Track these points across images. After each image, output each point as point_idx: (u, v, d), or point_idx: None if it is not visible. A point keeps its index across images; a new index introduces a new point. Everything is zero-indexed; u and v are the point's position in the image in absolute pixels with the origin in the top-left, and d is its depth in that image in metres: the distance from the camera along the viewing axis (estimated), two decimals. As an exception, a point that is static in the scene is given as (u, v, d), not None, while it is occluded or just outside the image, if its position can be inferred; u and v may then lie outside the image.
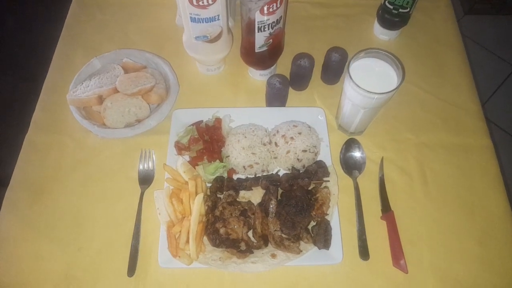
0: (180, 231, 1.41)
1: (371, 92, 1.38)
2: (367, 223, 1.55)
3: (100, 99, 1.87)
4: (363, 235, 1.54)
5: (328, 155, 1.68)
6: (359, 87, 1.39)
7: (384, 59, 1.51)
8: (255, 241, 1.47)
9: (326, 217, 1.51)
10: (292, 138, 1.63)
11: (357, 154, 1.74)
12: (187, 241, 1.38)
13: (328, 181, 1.58)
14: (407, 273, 1.47)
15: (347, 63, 1.53)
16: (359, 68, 1.62)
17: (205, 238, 1.46)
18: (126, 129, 1.69)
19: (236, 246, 1.42)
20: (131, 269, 1.48)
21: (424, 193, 1.68)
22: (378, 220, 1.59)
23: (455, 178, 1.70)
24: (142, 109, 1.75)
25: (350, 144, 1.78)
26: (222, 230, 1.42)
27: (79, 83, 1.92)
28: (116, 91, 1.86)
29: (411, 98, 2.04)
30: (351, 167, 1.72)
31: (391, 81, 1.61)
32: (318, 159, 1.67)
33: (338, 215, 1.54)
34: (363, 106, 1.51)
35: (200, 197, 1.41)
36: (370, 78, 1.45)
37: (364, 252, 1.52)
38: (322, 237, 1.46)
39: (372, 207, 1.61)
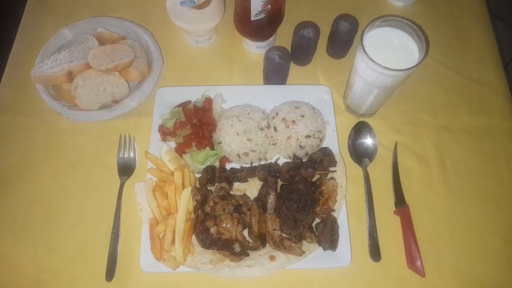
0: (165, 230, 1.31)
1: (388, 69, 1.23)
2: (378, 219, 1.45)
3: (70, 76, 1.66)
4: (374, 233, 1.43)
5: (335, 141, 1.57)
6: (374, 62, 1.24)
7: (403, 29, 1.35)
8: (251, 241, 1.38)
9: (332, 213, 1.41)
10: (293, 121, 1.51)
11: (368, 139, 1.60)
12: (173, 242, 1.29)
13: (335, 171, 1.47)
14: (424, 276, 1.37)
15: (359, 33, 1.36)
16: (374, 40, 1.40)
17: (193, 238, 1.37)
18: (101, 111, 1.56)
19: (229, 248, 1.31)
20: (110, 273, 1.37)
21: (443, 184, 1.55)
22: (391, 215, 1.48)
23: (479, 166, 1.58)
24: (120, 87, 1.61)
25: (360, 128, 1.68)
26: (213, 229, 1.31)
27: (46, 57, 1.71)
28: (88, 66, 1.66)
29: (428, 74, 1.85)
30: (361, 154, 1.59)
31: (411, 55, 1.39)
32: (323, 145, 1.55)
33: (346, 211, 1.45)
34: (377, 85, 1.38)
35: (187, 190, 1.31)
36: (387, 52, 1.31)
37: (375, 253, 1.41)
38: (328, 237, 1.35)
39: (385, 201, 1.50)
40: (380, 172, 1.57)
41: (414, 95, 1.74)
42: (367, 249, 1.43)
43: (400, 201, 1.50)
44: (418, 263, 1.38)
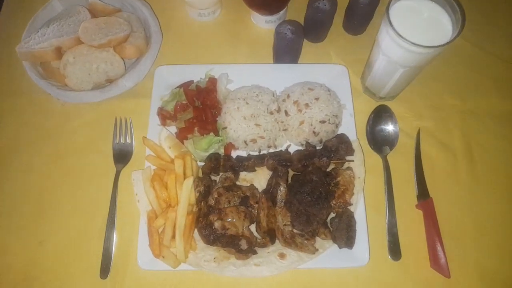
0: (164, 224, 1.26)
1: (417, 45, 1.13)
2: (399, 213, 1.38)
3: (59, 52, 1.54)
4: (393, 229, 1.36)
5: (353, 127, 1.51)
6: (402, 37, 1.14)
7: (435, 0, 1.24)
8: (259, 237, 1.32)
9: (349, 207, 1.35)
10: (307, 105, 1.43)
11: (388, 125, 1.53)
12: (173, 237, 1.25)
13: (352, 160, 1.41)
14: (449, 277, 1.29)
15: (382, 6, 1.29)
16: (401, 12, 1.25)
17: (196, 233, 1.32)
18: (94, 92, 1.51)
19: (235, 244, 1.26)
20: (105, 270, 1.31)
21: (470, 175, 1.47)
22: (413, 209, 1.41)
23: (509, 155, 1.50)
24: (115, 65, 1.55)
25: (380, 112, 1.57)
26: (217, 224, 1.25)
27: (34, 31, 1.58)
28: (79, 41, 1.54)
29: (455, 53, 1.70)
30: (380, 142, 1.50)
31: (442, 30, 1.25)
32: (339, 131, 1.48)
33: (364, 205, 1.38)
34: (403, 64, 1.29)
35: (189, 180, 1.26)
36: (416, 26, 1.21)
37: (395, 250, 1.34)
38: (344, 233, 1.29)
39: (406, 193, 1.43)
40: (401, 161, 1.48)
41: (439, 76, 1.66)
42: (386, 247, 1.35)
43: (423, 194, 1.42)
44: (443, 262, 1.30)
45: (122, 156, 1.48)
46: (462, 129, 1.56)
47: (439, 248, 1.31)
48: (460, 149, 1.52)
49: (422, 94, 1.62)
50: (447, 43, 1.16)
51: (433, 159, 1.50)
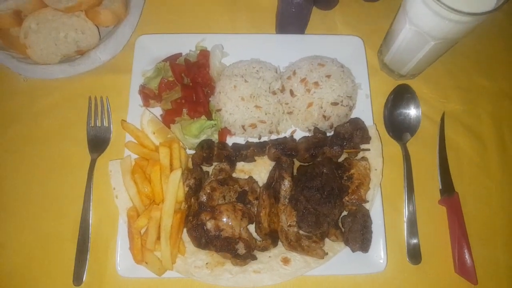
0: (148, 225, 1.19)
1: (461, 12, 1.01)
2: (419, 210, 1.32)
3: (19, 17, 1.38)
4: (413, 228, 1.29)
5: (369, 110, 1.39)
6: (440, 2, 1.02)
7: None
8: (259, 239, 1.24)
9: (364, 204, 1.26)
10: (316, 83, 1.34)
11: (410, 108, 1.42)
12: (158, 240, 1.17)
13: (369, 149, 1.32)
14: (476, 283, 1.23)
15: None
16: None
17: (185, 234, 1.24)
18: (63, 66, 1.39)
19: (231, 248, 1.18)
20: (78, 275, 1.23)
21: (502, 167, 1.40)
22: (436, 206, 1.35)
23: None
24: (87, 34, 1.42)
25: (401, 93, 1.44)
26: (210, 224, 1.18)
27: None
28: (43, 4, 1.38)
29: (485, 26, 1.49)
30: (400, 127, 1.42)
31: None
32: (353, 115, 1.39)
33: (382, 202, 1.28)
34: (436, 36, 1.17)
35: (176, 173, 1.17)
36: None
37: (414, 253, 1.28)
38: (359, 235, 1.21)
39: (428, 187, 1.37)
40: (422, 150, 1.41)
41: (467, 52, 1.54)
42: (405, 249, 1.29)
43: (447, 188, 1.35)
44: (469, 267, 1.23)
45: (97, 143, 1.38)
46: (492, 114, 1.47)
47: (465, 250, 1.24)
48: (490, 137, 1.44)
49: (447, 72, 1.53)
50: (496, 9, 1.04)
51: (459, 148, 1.42)
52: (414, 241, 1.27)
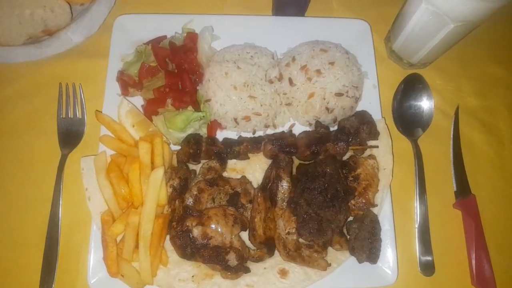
0: (124, 231, 1.12)
1: None
2: (432, 214, 1.25)
3: None
4: (426, 235, 1.22)
5: (377, 102, 1.33)
6: None
7: None
8: (253, 248, 1.18)
9: (372, 208, 1.18)
10: (318, 71, 1.27)
11: (422, 100, 1.35)
12: (136, 249, 1.11)
13: (377, 146, 1.25)
14: None
15: None
16: None
17: (168, 242, 1.16)
18: (27, 48, 1.31)
19: (221, 259, 1.11)
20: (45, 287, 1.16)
21: None
22: (450, 209, 1.28)
23: None
24: (57, 11, 1.33)
25: (411, 83, 1.37)
26: (197, 231, 1.11)
27: None
28: None
29: (501, 10, 1.41)
30: (410, 122, 1.35)
31: None
32: (359, 108, 1.32)
33: (392, 205, 1.20)
34: (456, 17, 1.11)
35: (158, 172, 1.11)
36: None
37: (427, 264, 1.20)
38: (366, 243, 1.14)
39: (441, 188, 1.30)
40: (435, 147, 1.35)
41: (482, 38, 1.47)
42: (417, 259, 1.22)
43: (463, 190, 1.29)
44: (488, 278, 1.17)
45: (69, 137, 1.30)
46: (510, 107, 1.40)
47: (483, 259, 1.18)
48: (509, 132, 1.38)
49: (460, 61, 1.46)
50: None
51: (475, 145, 1.38)
52: (427, 249, 1.20)
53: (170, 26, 1.37)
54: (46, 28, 1.31)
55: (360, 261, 1.14)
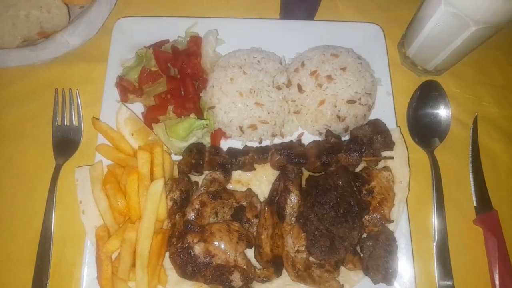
0: (120, 249, 1.09)
1: None
2: (451, 231, 1.20)
3: None
4: (444, 253, 1.17)
5: (391, 110, 1.28)
6: None
7: None
8: (259, 267, 1.14)
9: (387, 225, 1.13)
10: (329, 77, 1.25)
11: (438, 108, 1.30)
12: (133, 267, 1.09)
13: (392, 158, 1.20)
14: None
15: None
16: None
17: (167, 260, 1.12)
18: (22, 51, 1.29)
19: (225, 279, 1.08)
20: None
21: None
22: (471, 225, 1.23)
23: None
24: (53, 12, 1.30)
25: (427, 90, 1.32)
26: (198, 248, 1.08)
27: None
28: None
29: None
30: (426, 132, 1.30)
31: None
32: (372, 116, 1.28)
33: (408, 221, 1.15)
34: (479, 19, 1.08)
35: (158, 184, 1.08)
36: None
37: (447, 284, 1.14)
38: (382, 262, 1.10)
39: (460, 203, 1.26)
40: (453, 159, 1.31)
41: (500, 43, 1.42)
42: (435, 279, 1.17)
43: (483, 205, 1.24)
44: None
45: (64, 145, 1.26)
46: None
47: (507, 280, 1.13)
48: None
49: (478, 66, 1.43)
50: None
51: (495, 156, 1.34)
52: (446, 271, 1.14)
53: (173, 30, 1.38)
54: (42, 30, 1.28)
55: (375, 282, 1.10)
